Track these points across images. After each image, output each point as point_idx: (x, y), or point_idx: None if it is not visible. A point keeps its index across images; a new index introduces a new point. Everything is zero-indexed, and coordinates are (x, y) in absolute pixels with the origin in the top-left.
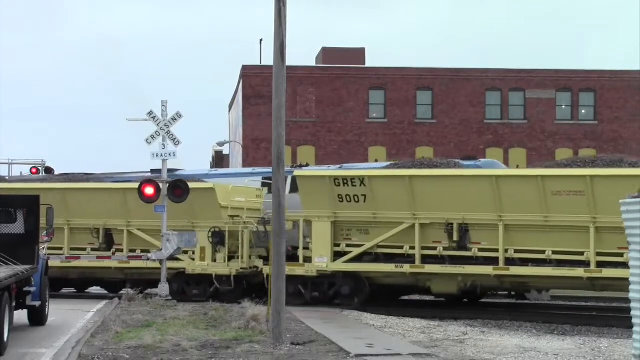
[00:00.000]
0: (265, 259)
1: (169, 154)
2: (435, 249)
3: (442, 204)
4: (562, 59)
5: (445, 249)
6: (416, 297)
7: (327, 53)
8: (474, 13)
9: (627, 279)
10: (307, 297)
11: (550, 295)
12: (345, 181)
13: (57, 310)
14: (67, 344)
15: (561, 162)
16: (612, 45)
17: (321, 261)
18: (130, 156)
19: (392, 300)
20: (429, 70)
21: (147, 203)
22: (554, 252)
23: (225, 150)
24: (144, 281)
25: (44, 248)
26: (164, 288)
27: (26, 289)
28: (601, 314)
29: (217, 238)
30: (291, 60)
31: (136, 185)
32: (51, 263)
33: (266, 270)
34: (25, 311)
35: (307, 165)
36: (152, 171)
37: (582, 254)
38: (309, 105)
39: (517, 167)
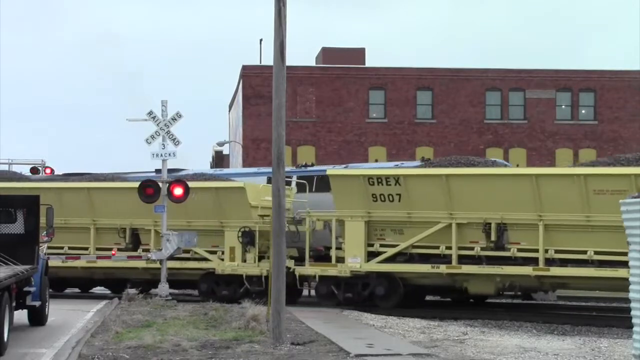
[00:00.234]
0: (297, 259)
1: (169, 154)
2: (472, 249)
3: (479, 203)
4: (562, 59)
5: (482, 249)
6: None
7: (327, 53)
8: (474, 13)
9: None
10: (340, 298)
11: (556, 296)
12: (379, 180)
13: (57, 310)
14: (67, 344)
15: (604, 160)
16: (612, 45)
17: (354, 261)
18: (130, 156)
19: (419, 302)
20: (429, 70)
21: (175, 203)
22: (596, 253)
23: (225, 150)
24: (174, 281)
25: (44, 248)
26: (163, 288)
27: (26, 289)
28: (601, 314)
29: (247, 238)
30: (291, 60)
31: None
32: (76, 263)
33: (298, 270)
34: (25, 311)
35: (312, 165)
36: (157, 171)
37: (625, 254)
38: (309, 105)
39: (517, 166)
